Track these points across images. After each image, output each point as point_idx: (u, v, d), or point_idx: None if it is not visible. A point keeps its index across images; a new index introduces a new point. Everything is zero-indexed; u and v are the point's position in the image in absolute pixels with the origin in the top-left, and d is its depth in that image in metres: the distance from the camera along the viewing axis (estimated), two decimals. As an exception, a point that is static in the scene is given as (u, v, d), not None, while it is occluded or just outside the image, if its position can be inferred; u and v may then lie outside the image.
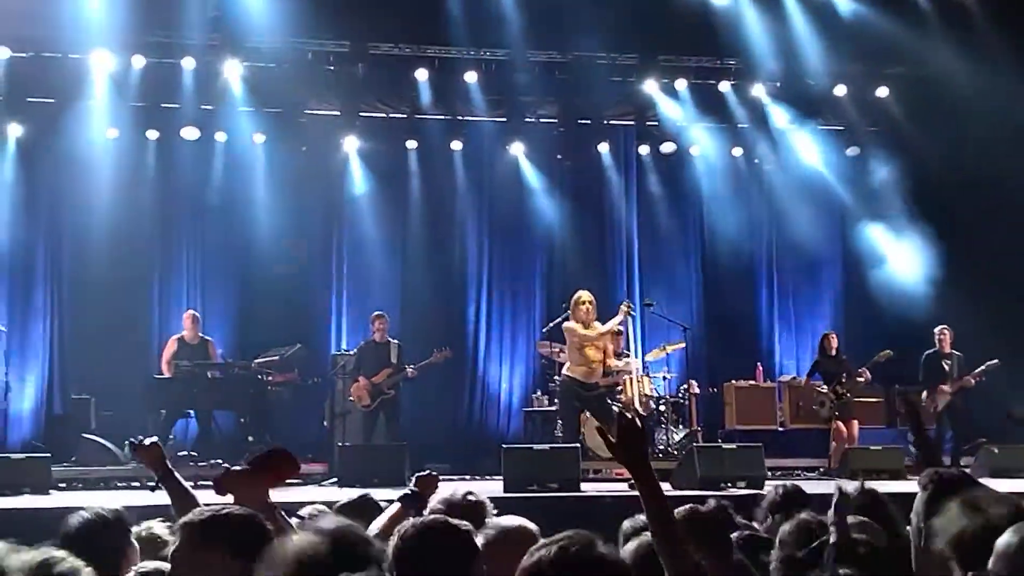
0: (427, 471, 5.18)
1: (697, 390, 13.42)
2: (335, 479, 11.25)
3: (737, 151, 15.65)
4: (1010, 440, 12.47)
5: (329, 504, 5.09)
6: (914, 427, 4.48)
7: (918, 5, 13.80)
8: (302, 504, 4.74)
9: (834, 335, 13.29)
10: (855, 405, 12.88)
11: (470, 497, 4.39)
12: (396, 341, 13.00)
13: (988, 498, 2.39)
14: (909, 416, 4.79)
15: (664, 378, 13.68)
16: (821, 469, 12.43)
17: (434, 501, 4.50)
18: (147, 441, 4.53)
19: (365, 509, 4.90)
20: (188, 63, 13.53)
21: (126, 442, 12.45)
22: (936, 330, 13.04)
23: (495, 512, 4.32)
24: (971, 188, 14.02)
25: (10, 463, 10.51)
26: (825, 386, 12.83)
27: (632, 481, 2.97)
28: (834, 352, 13.05)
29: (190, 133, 14.11)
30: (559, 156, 15.50)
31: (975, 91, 13.33)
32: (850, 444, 12.39)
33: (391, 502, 5.00)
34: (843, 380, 12.72)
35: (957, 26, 13.59)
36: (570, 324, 11.03)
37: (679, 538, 2.91)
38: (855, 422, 12.69)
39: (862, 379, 12.88)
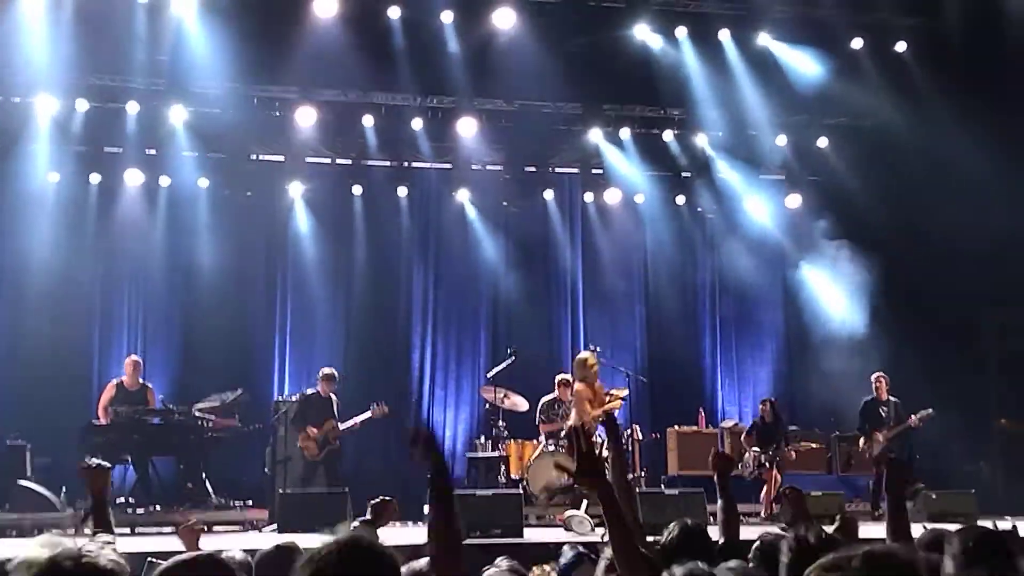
0: (385, 497, 5.08)
1: (640, 436, 13.44)
2: (275, 526, 11.14)
3: (680, 199, 15.83)
4: (947, 485, 12.65)
5: (251, 552, 4.82)
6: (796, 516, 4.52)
7: (857, 57, 14.14)
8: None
9: (768, 403, 13.40)
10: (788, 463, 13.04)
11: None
12: (335, 397, 13.03)
13: (847, 559, 2.33)
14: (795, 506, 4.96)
15: (607, 424, 13.68)
16: (761, 515, 12.47)
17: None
18: (101, 463, 4.39)
19: (285, 557, 4.75)
20: (132, 107, 13.46)
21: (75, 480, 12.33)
22: (873, 377, 13.21)
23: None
24: (908, 236, 14.28)
25: (-59, 510, 10.35)
26: (758, 449, 12.99)
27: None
28: (768, 419, 13.19)
29: (134, 177, 14.05)
30: (504, 203, 15.57)
31: (912, 141, 13.64)
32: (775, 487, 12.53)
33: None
34: (774, 448, 12.87)
35: (895, 78, 13.94)
36: (581, 387, 11.21)
37: (638, 558, 3.23)
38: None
39: (791, 456, 13.09)
